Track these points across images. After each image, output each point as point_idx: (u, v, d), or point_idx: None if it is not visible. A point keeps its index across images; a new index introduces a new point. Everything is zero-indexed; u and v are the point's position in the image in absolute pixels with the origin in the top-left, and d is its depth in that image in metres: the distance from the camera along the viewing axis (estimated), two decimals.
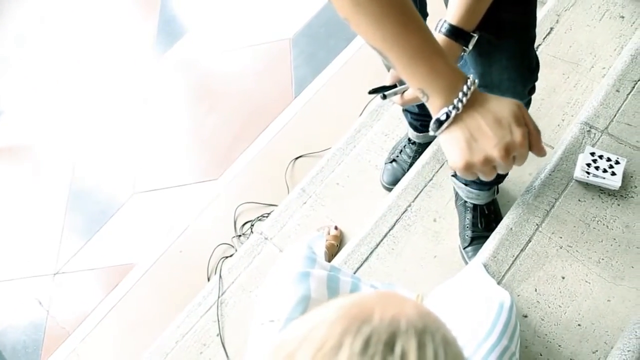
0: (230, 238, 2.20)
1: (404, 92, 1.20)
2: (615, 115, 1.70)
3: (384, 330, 0.44)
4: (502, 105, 0.78)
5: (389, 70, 1.23)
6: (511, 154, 0.77)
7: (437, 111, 0.78)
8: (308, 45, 2.73)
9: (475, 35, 1.08)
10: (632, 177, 1.58)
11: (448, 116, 0.76)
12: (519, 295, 1.46)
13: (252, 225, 2.21)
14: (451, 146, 0.79)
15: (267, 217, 2.15)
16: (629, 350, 1.24)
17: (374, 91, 1.23)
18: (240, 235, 2.20)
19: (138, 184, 2.51)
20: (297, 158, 2.33)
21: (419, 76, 0.77)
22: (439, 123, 0.78)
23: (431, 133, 0.80)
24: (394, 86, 1.21)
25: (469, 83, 0.77)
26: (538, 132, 0.79)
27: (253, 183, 2.33)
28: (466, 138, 0.77)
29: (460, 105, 0.76)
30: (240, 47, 2.82)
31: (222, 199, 2.32)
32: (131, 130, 2.71)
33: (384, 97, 1.22)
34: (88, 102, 2.92)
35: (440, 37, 1.10)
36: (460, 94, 0.76)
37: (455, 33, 1.08)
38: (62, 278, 2.38)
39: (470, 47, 1.11)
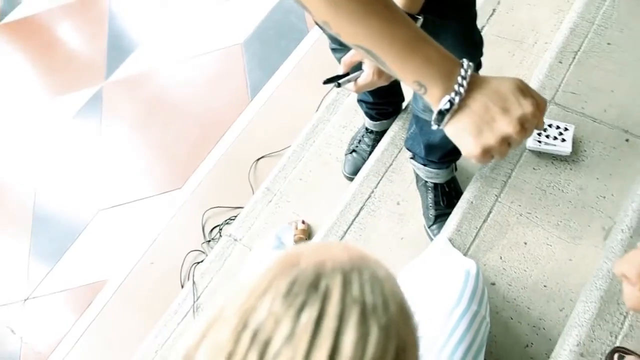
0: (200, 244, 2.21)
1: (357, 79, 1.23)
2: (560, 86, 1.76)
3: (310, 271, 0.45)
4: (503, 82, 0.75)
5: (339, 62, 1.26)
6: (525, 127, 0.74)
7: (437, 102, 0.73)
8: (260, 48, 2.76)
9: (420, 17, 1.12)
10: (581, 141, 1.64)
11: (451, 104, 0.72)
12: (485, 265, 1.51)
13: (221, 229, 2.22)
14: (462, 135, 0.75)
15: (234, 219, 2.16)
16: (591, 302, 1.29)
17: (328, 81, 1.26)
18: (209, 241, 2.21)
19: (102, 202, 2.49)
20: (258, 159, 2.35)
21: (413, 68, 0.73)
22: (441, 114, 0.73)
23: (434, 127, 0.76)
24: (347, 74, 1.24)
25: (465, 66, 0.73)
26: (544, 100, 0.76)
27: (218, 188, 2.35)
28: (476, 123, 0.73)
29: (462, 90, 0.72)
30: (192, 56, 2.83)
31: (188, 207, 2.33)
32: (90, 150, 2.70)
33: (339, 85, 1.25)
34: (45, 125, 2.89)
35: None
36: (460, 79, 0.72)
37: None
38: (33, 303, 2.35)
39: None
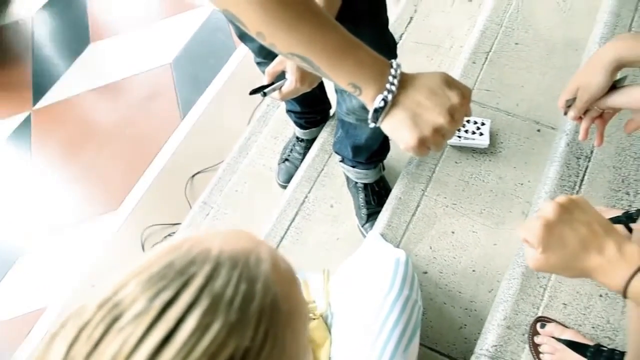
0: None
1: (281, 87, 1.29)
2: (475, 84, 1.88)
3: (186, 257, 0.46)
4: (430, 77, 0.79)
5: (264, 73, 1.32)
6: (455, 117, 0.79)
7: (371, 101, 0.78)
8: (189, 67, 2.79)
9: None
10: (497, 134, 1.75)
11: (385, 102, 0.77)
12: (416, 255, 1.58)
13: None
14: (398, 130, 0.79)
15: (173, 235, 2.17)
16: (514, 279, 1.38)
17: (254, 91, 1.31)
18: None
19: (36, 229, 2.45)
20: (194, 175, 2.37)
21: (347, 71, 0.77)
22: (377, 112, 0.78)
23: (371, 125, 0.81)
24: (272, 84, 1.30)
25: (395, 66, 0.77)
26: (469, 89, 0.82)
27: (155, 206, 2.35)
28: (410, 116, 0.78)
29: (394, 88, 0.77)
30: (120, 78, 2.83)
31: (126, 227, 2.32)
32: (21, 177, 2.65)
33: (264, 94, 1.31)
34: None
35: None
36: (391, 78, 0.77)
37: None
38: None
39: None
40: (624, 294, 0.70)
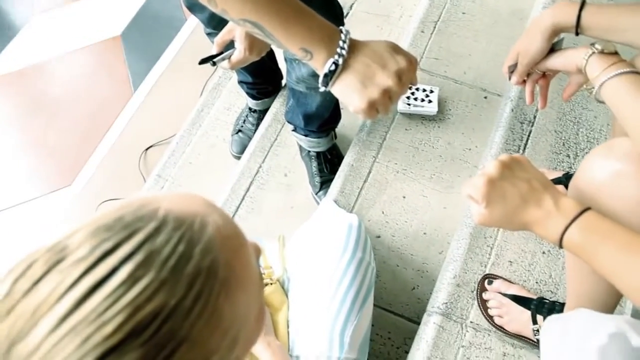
0: None
1: (230, 56, 1.30)
2: (424, 52, 1.91)
3: (135, 213, 0.47)
4: (378, 43, 0.83)
5: (213, 43, 1.33)
6: (402, 80, 0.82)
7: (322, 65, 0.81)
8: (139, 38, 2.75)
9: None
10: (445, 102, 1.79)
11: (336, 66, 0.80)
12: (369, 220, 1.62)
13: None
14: (348, 93, 0.83)
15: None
16: (462, 239, 1.44)
17: (203, 61, 1.32)
18: None
19: None
20: (147, 148, 2.36)
21: (299, 36, 0.80)
22: (327, 77, 0.81)
23: (322, 89, 0.84)
24: (221, 53, 1.31)
25: (344, 32, 0.81)
26: (415, 57, 0.85)
27: (108, 181, 2.33)
28: (360, 79, 0.81)
29: (344, 52, 0.80)
30: (69, 52, 2.77)
31: (80, 203, 2.30)
32: None
33: (214, 64, 1.32)
34: None
35: None
36: (341, 43, 0.80)
37: None
38: None
39: None
40: (560, 245, 0.75)
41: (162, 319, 0.43)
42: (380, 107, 0.84)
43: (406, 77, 0.84)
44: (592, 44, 0.87)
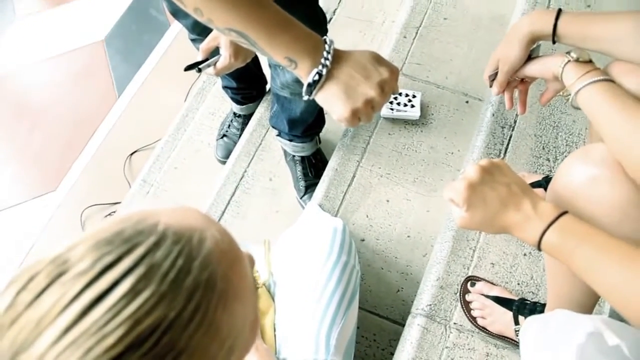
0: None
1: (215, 63, 1.32)
2: (406, 58, 1.94)
3: (135, 228, 0.49)
4: (361, 54, 0.85)
5: (199, 50, 1.34)
6: (384, 90, 0.85)
7: (307, 75, 0.83)
8: (122, 43, 2.76)
9: None
10: (428, 106, 1.82)
11: (320, 76, 0.82)
12: (354, 224, 1.64)
13: None
14: (332, 102, 0.85)
15: (113, 214, 2.17)
16: (445, 242, 1.46)
17: (189, 67, 1.33)
18: None
19: None
20: (132, 153, 2.36)
21: (283, 46, 0.81)
22: (311, 86, 0.83)
23: (306, 98, 0.85)
24: (206, 60, 1.33)
25: (328, 42, 0.83)
26: (396, 68, 0.88)
27: (93, 186, 2.33)
28: (343, 89, 0.83)
29: (328, 62, 0.82)
30: (51, 57, 2.76)
31: (64, 208, 2.29)
32: None
33: (199, 70, 1.33)
34: None
35: None
36: (325, 53, 0.82)
37: None
38: None
39: None
40: (539, 247, 0.78)
41: (162, 331, 0.44)
42: (362, 116, 0.87)
43: (388, 87, 0.86)
44: (568, 52, 0.90)
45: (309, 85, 0.83)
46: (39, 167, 2.47)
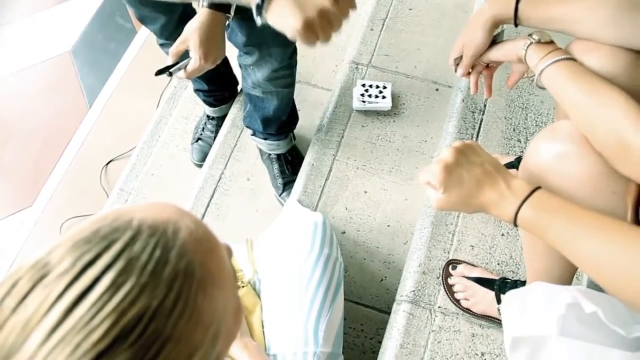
0: None
1: (186, 66, 1.33)
2: (374, 50, 1.96)
3: (111, 225, 0.50)
4: None
5: (167, 54, 1.35)
6: (339, 2, 0.80)
7: None
8: (89, 53, 2.73)
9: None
10: (399, 96, 1.84)
11: None
12: (334, 217, 1.66)
13: None
14: (283, 17, 0.80)
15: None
16: (424, 228, 1.49)
17: (159, 72, 1.34)
18: None
19: None
20: (107, 163, 2.35)
21: None
22: (260, 7, 0.80)
23: (259, 23, 0.82)
24: (176, 63, 1.33)
25: None
26: None
27: (71, 198, 2.32)
28: (293, 1, 0.78)
29: None
30: (18, 70, 2.73)
31: (43, 223, 2.28)
32: None
33: (170, 74, 1.34)
34: None
35: (204, 10, 1.23)
36: None
37: (217, 4, 1.22)
38: None
39: (232, 13, 1.26)
40: (515, 223, 0.80)
41: (147, 320, 0.45)
42: (319, 30, 0.81)
43: (343, 0, 0.82)
44: (530, 35, 0.93)
45: (258, 6, 0.80)
46: (12, 183, 2.44)
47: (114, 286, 0.45)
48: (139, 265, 0.47)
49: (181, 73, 1.34)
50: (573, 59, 0.88)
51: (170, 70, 1.32)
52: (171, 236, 0.51)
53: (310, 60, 2.12)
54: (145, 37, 2.70)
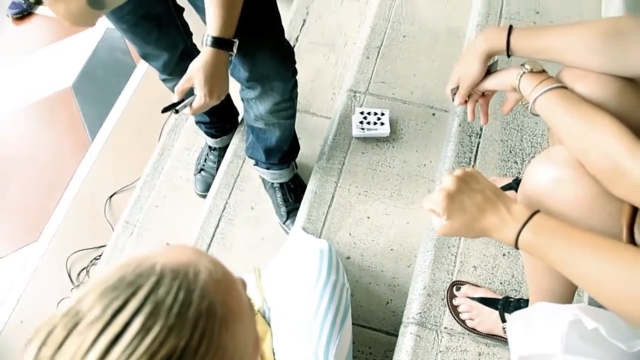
0: (69, 290, 2.20)
1: (191, 103, 1.37)
2: (371, 77, 2.01)
3: (134, 271, 0.53)
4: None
5: (172, 91, 1.39)
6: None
7: None
8: (90, 89, 2.78)
9: (235, 40, 1.28)
10: (397, 122, 1.89)
11: None
12: (338, 243, 1.69)
13: (88, 271, 2.23)
14: None
15: (99, 258, 2.19)
16: (427, 251, 1.52)
17: (166, 109, 1.38)
18: (78, 285, 2.21)
19: None
20: (111, 196, 2.39)
21: None
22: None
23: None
24: (182, 101, 1.38)
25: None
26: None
27: (76, 232, 2.35)
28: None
29: None
30: (20, 107, 2.78)
31: (48, 257, 2.30)
32: None
33: (177, 111, 1.38)
34: None
35: (208, 49, 1.28)
36: None
37: (219, 43, 1.27)
38: None
39: (235, 51, 1.31)
40: (516, 246, 0.84)
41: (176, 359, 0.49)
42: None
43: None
44: (522, 65, 0.98)
45: None
46: (17, 219, 2.47)
47: (144, 329, 0.49)
48: (165, 308, 0.50)
49: (187, 110, 1.38)
50: (564, 87, 0.92)
51: (177, 107, 1.37)
52: (192, 278, 0.54)
53: (309, 89, 2.17)
54: (144, 70, 2.76)
